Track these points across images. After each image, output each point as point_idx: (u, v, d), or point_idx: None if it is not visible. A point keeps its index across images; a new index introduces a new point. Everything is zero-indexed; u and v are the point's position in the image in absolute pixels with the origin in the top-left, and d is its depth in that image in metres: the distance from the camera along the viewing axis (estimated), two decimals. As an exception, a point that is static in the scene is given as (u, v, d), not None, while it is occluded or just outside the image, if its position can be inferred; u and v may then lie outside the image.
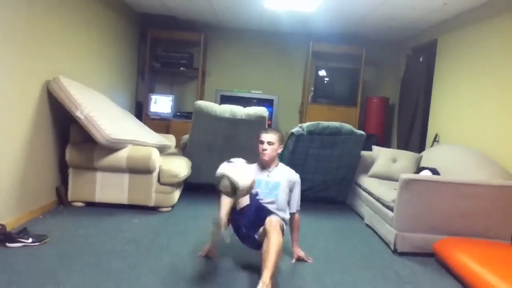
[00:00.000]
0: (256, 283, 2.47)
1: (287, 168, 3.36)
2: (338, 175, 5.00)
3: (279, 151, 3.29)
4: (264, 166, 3.28)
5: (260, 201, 3.12)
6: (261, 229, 2.88)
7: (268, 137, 3.21)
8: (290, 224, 3.32)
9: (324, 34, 7.14)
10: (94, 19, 5.01)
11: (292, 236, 3.37)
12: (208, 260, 3.15)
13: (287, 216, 3.23)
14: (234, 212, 2.92)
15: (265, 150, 3.19)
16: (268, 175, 3.23)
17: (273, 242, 2.63)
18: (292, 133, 4.69)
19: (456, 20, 5.32)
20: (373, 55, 7.35)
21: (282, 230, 2.91)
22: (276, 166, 3.30)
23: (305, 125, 4.69)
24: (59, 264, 2.88)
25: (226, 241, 2.71)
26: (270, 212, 3.03)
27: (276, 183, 3.19)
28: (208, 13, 6.45)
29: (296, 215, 3.35)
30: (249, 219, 2.93)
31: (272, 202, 3.15)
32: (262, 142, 3.22)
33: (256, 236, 2.96)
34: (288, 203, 3.28)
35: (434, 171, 4.29)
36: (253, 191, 3.07)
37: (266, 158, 3.21)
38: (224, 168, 2.86)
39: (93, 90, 4.64)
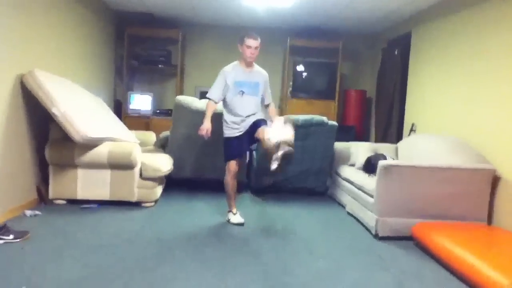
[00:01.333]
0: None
1: (259, 68, 4.05)
2: (315, 166, 5.09)
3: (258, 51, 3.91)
4: (247, 66, 3.92)
5: (247, 96, 3.86)
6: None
7: (255, 43, 3.82)
8: (270, 113, 4.08)
9: (302, 29, 7.22)
10: (69, 16, 4.96)
11: (273, 118, 3.93)
12: (195, 251, 3.18)
13: (259, 108, 4.01)
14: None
15: (253, 54, 3.84)
16: (250, 77, 3.92)
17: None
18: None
19: (429, 12, 5.45)
20: (350, 49, 7.46)
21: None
22: (254, 66, 4.00)
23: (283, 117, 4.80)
24: (45, 259, 2.86)
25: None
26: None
27: (256, 83, 3.93)
28: (186, 9, 6.45)
29: (272, 105, 4.18)
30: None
31: (255, 96, 3.92)
32: (249, 47, 3.80)
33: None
34: (264, 96, 4.05)
35: (383, 157, 4.55)
36: (239, 90, 3.84)
37: (252, 60, 3.90)
38: (276, 137, 3.50)
39: (69, 82, 4.59)
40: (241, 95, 3.86)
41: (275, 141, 3.50)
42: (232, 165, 3.91)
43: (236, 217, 3.99)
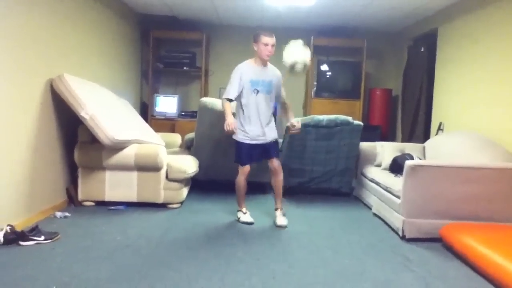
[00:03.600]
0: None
1: (272, 66, 4.05)
2: (339, 166, 5.06)
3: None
4: (263, 64, 3.93)
5: (261, 95, 3.88)
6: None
7: (272, 40, 3.84)
8: (286, 110, 4.15)
9: (325, 28, 7.18)
10: (95, 21, 5.07)
11: (289, 117, 4.13)
12: (220, 251, 3.21)
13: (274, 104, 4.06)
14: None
15: (270, 52, 3.85)
16: (264, 75, 3.91)
17: (280, 180, 4.05)
18: (288, 127, 4.78)
19: (456, 7, 5.34)
20: (374, 47, 7.38)
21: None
22: (268, 65, 3.99)
23: (300, 118, 4.82)
24: (73, 260, 2.94)
25: None
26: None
27: (270, 81, 3.92)
28: (209, 12, 6.50)
29: (288, 102, 4.16)
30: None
31: (268, 94, 3.92)
32: (267, 45, 3.81)
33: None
34: (279, 96, 4.06)
35: (410, 157, 4.52)
36: (254, 88, 3.85)
37: (269, 57, 3.89)
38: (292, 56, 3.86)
39: (97, 85, 4.70)
40: (256, 94, 3.86)
41: (290, 61, 3.82)
42: (245, 168, 3.94)
43: (246, 216, 4.05)
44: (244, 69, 3.90)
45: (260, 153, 3.96)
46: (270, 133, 3.98)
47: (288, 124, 4.11)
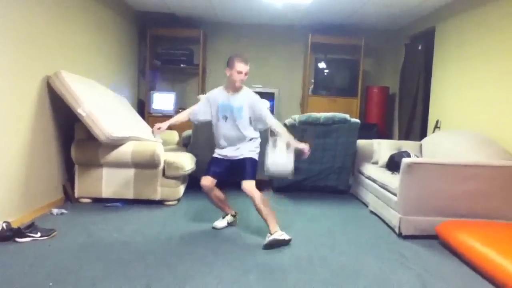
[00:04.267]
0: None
1: (246, 90, 3.64)
2: (336, 164, 5.07)
3: None
4: (234, 90, 3.59)
5: (230, 121, 3.58)
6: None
7: (246, 68, 3.52)
8: (276, 132, 3.60)
9: (323, 26, 7.18)
10: (93, 18, 5.06)
11: (290, 143, 3.58)
12: (216, 247, 3.20)
13: (250, 134, 3.62)
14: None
15: (243, 79, 3.53)
16: (235, 100, 3.57)
17: (257, 204, 3.44)
18: (285, 124, 4.86)
19: (453, 6, 5.35)
20: (372, 45, 7.38)
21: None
22: (240, 90, 3.61)
23: (297, 116, 4.84)
24: (70, 256, 2.93)
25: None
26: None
27: (240, 107, 3.56)
28: (207, 9, 6.49)
29: (275, 126, 3.59)
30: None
31: (240, 119, 3.55)
32: (240, 72, 3.49)
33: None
34: (258, 120, 3.60)
35: (406, 154, 4.52)
36: (223, 114, 3.58)
37: (240, 85, 3.56)
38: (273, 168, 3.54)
39: (94, 82, 4.69)
40: (225, 120, 3.59)
41: (271, 171, 3.52)
42: (204, 180, 3.61)
43: (219, 221, 3.84)
44: (214, 94, 3.68)
45: (230, 170, 3.65)
46: (243, 151, 3.62)
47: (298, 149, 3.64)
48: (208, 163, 3.72)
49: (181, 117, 3.83)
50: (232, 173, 3.66)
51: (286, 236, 3.35)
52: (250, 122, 3.62)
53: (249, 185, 3.47)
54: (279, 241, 3.32)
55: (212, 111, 3.66)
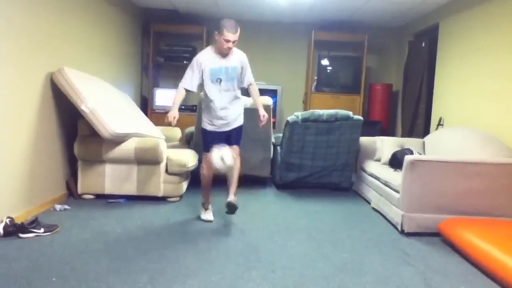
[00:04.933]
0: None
1: (236, 50, 3.76)
2: (339, 161, 5.06)
3: None
4: (223, 54, 3.67)
5: (224, 84, 3.69)
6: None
7: (234, 37, 3.55)
8: (252, 93, 3.92)
9: (326, 23, 7.16)
10: (96, 14, 5.06)
11: (256, 102, 3.91)
12: (219, 244, 3.21)
13: (239, 93, 3.85)
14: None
15: (230, 48, 3.61)
16: (227, 62, 3.68)
17: (238, 166, 3.79)
18: (288, 121, 4.86)
19: (457, 3, 5.33)
20: (375, 42, 7.36)
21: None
22: (231, 51, 3.70)
23: (300, 113, 4.84)
24: (73, 252, 2.94)
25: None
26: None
27: (234, 67, 3.70)
28: (210, 6, 6.48)
29: (253, 85, 3.90)
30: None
31: (233, 81, 3.72)
32: (228, 41, 3.54)
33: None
34: (246, 78, 3.82)
35: (409, 152, 4.52)
36: (216, 77, 3.66)
37: (229, 52, 3.67)
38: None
39: (97, 79, 4.70)
40: (219, 83, 3.66)
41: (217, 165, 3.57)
42: (207, 158, 3.74)
43: (206, 214, 3.91)
44: (204, 58, 3.66)
45: (223, 139, 3.77)
46: (234, 122, 3.81)
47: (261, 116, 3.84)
48: (203, 137, 3.87)
49: (179, 95, 3.70)
50: (227, 142, 3.80)
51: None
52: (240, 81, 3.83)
53: (237, 151, 3.82)
54: (234, 205, 3.64)
55: (204, 75, 3.66)
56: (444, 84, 5.59)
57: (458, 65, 5.23)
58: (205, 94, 3.73)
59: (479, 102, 4.69)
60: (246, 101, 4.53)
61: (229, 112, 3.77)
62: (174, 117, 3.57)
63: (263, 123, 3.85)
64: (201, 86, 3.74)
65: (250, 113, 4.49)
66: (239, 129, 3.88)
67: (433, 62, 5.95)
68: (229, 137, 3.82)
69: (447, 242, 3.46)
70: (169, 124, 3.60)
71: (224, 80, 3.67)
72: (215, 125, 3.78)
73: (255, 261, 2.94)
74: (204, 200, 3.96)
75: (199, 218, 3.93)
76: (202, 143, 3.91)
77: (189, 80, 3.66)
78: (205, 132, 3.83)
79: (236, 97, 3.82)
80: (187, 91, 3.69)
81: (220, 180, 4.02)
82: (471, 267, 3.02)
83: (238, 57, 3.74)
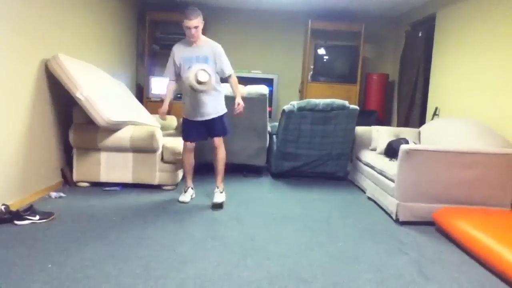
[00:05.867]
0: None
1: (209, 41, 3.88)
2: (334, 150, 5.07)
3: (201, 26, 3.79)
4: (193, 43, 3.79)
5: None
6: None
7: (192, 23, 3.67)
8: (231, 84, 3.96)
9: (323, 12, 7.13)
10: (92, 1, 5.00)
11: (235, 92, 3.96)
12: (215, 232, 3.22)
13: (216, 85, 3.88)
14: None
15: (193, 34, 3.70)
16: (198, 51, 3.79)
17: (219, 158, 3.99)
18: (284, 110, 4.86)
19: (454, -8, 5.31)
20: (372, 31, 7.34)
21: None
22: (202, 41, 3.84)
23: (296, 102, 4.84)
24: (68, 239, 2.94)
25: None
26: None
27: (205, 57, 3.77)
28: (206, -7, 6.43)
29: (232, 76, 3.94)
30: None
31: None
32: (188, 28, 3.67)
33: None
34: (221, 70, 3.86)
35: (405, 141, 4.54)
36: (187, 66, 3.73)
37: (195, 39, 3.76)
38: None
39: (92, 67, 4.66)
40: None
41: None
42: (186, 145, 3.99)
43: (183, 196, 4.07)
44: (176, 48, 3.87)
45: (203, 130, 3.94)
46: (212, 113, 3.89)
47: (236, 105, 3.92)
48: (183, 127, 3.99)
49: (169, 88, 3.99)
50: (205, 134, 3.97)
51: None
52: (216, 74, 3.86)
53: (219, 141, 3.96)
54: (218, 204, 3.88)
55: (179, 65, 3.83)
56: (440, 74, 5.59)
57: (454, 55, 5.22)
58: (182, 83, 3.86)
59: (475, 93, 4.70)
60: (242, 90, 4.53)
61: (201, 101, 3.83)
62: (163, 112, 3.89)
63: (238, 111, 3.91)
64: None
65: (246, 101, 4.49)
66: (220, 120, 3.94)
67: (429, 52, 5.95)
68: (210, 129, 3.92)
69: (441, 231, 3.48)
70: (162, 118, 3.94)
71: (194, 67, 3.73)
72: (191, 114, 3.90)
73: (251, 249, 2.95)
74: (185, 183, 4.17)
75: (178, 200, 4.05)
76: (182, 131, 4.05)
77: (168, 70, 3.93)
78: (183, 121, 3.97)
79: (214, 88, 3.84)
80: (173, 81, 3.95)
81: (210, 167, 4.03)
82: (465, 256, 3.04)
83: (210, 48, 3.82)
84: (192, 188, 4.16)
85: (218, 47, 3.85)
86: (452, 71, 5.25)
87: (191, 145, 4.00)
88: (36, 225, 3.18)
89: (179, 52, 3.84)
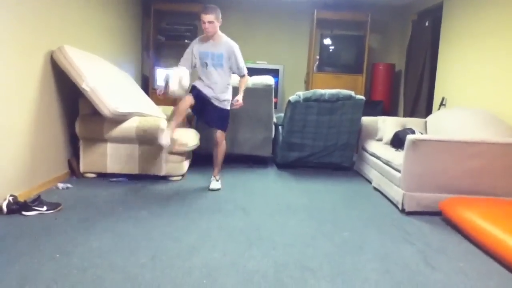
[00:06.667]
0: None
1: (226, 39, 4.04)
2: (340, 141, 5.07)
3: (219, 24, 3.96)
4: (210, 38, 3.99)
5: (211, 68, 4.01)
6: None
7: (207, 17, 3.85)
8: (241, 82, 4.15)
9: (329, 1, 7.06)
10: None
11: (241, 89, 4.12)
12: (221, 222, 3.24)
13: (229, 79, 4.12)
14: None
15: (207, 28, 3.88)
16: (214, 48, 3.98)
17: (221, 150, 4.20)
18: (289, 101, 4.86)
19: (462, -19, 5.25)
20: (378, 21, 7.28)
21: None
22: (219, 38, 4.01)
23: (301, 92, 4.83)
24: (76, 230, 2.97)
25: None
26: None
27: (220, 54, 3.98)
28: (211, -17, 6.39)
29: (246, 76, 4.16)
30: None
31: (219, 67, 4.00)
32: (204, 22, 3.86)
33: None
34: (236, 69, 4.08)
35: (411, 131, 4.55)
36: (203, 61, 4.01)
37: (209, 34, 3.94)
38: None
39: (98, 58, 4.67)
40: (205, 67, 4.02)
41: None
42: (186, 98, 4.03)
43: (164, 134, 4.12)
44: (196, 42, 4.10)
45: (204, 102, 4.08)
46: (217, 92, 4.07)
47: (234, 100, 4.09)
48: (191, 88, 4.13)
49: (175, 75, 4.04)
50: (204, 111, 4.13)
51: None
52: (229, 71, 4.08)
53: (220, 135, 4.13)
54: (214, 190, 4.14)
55: (195, 59, 4.07)
56: (447, 64, 5.54)
57: (461, 44, 5.18)
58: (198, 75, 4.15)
59: (482, 82, 4.66)
60: (247, 81, 4.53)
61: (216, 81, 4.04)
62: (160, 91, 4.15)
63: (234, 106, 4.08)
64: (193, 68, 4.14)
65: (251, 92, 4.50)
66: (222, 113, 4.12)
67: (436, 41, 5.89)
68: (209, 113, 4.10)
69: (447, 221, 3.48)
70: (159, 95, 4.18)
71: (210, 65, 4.00)
72: (201, 85, 4.08)
73: (256, 239, 2.96)
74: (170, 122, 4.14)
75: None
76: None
77: (184, 60, 4.13)
78: (192, 87, 4.12)
79: (223, 85, 4.07)
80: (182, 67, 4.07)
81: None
82: (471, 245, 3.04)
83: (226, 46, 4.00)
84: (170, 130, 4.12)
85: (234, 47, 4.01)
86: (459, 61, 5.20)
87: (190, 99, 3.99)
88: (44, 216, 3.21)
89: (196, 45, 4.07)
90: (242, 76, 4.15)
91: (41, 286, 2.16)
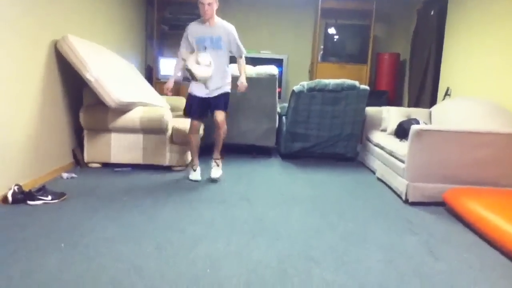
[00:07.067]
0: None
1: (223, 22, 3.97)
2: (344, 131, 5.06)
3: (216, 7, 3.90)
4: (207, 22, 3.90)
5: (210, 51, 3.91)
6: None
7: (206, 0, 3.76)
8: (238, 65, 4.16)
9: (333, -10, 7.01)
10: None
11: (241, 72, 4.15)
12: (225, 212, 3.24)
13: (228, 61, 4.08)
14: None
15: (207, 11, 3.80)
16: (212, 31, 3.91)
17: (220, 133, 4.06)
18: (293, 91, 4.84)
19: (468, -31, 5.18)
20: (383, 10, 7.22)
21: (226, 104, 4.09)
22: (216, 22, 3.93)
23: (305, 82, 4.82)
24: (81, 219, 2.98)
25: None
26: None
27: (218, 37, 3.91)
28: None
29: (242, 58, 4.14)
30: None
31: (218, 49, 3.93)
32: (203, 4, 3.79)
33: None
34: (236, 50, 4.04)
35: (415, 122, 4.52)
36: (202, 45, 3.92)
37: (208, 17, 3.85)
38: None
39: (102, 47, 4.66)
40: (204, 50, 3.92)
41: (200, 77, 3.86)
42: (192, 124, 4.08)
43: (194, 174, 4.17)
44: (190, 27, 4.01)
45: (207, 107, 4.08)
46: (217, 86, 4.02)
47: (238, 82, 4.12)
48: (188, 102, 4.12)
49: (178, 66, 4.17)
50: (208, 108, 4.10)
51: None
52: (228, 53, 4.04)
53: (221, 116, 4.02)
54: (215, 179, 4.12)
55: (192, 44, 3.98)
56: (452, 54, 5.50)
57: (467, 34, 5.13)
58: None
59: (487, 72, 4.63)
60: (251, 71, 4.52)
61: (213, 79, 3.95)
62: (167, 88, 4.07)
63: (240, 90, 4.11)
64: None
65: (255, 82, 4.49)
66: (223, 97, 4.06)
67: (441, 31, 5.84)
68: (211, 105, 4.05)
69: (451, 211, 3.48)
70: (167, 94, 4.14)
71: (209, 48, 3.91)
72: (197, 90, 4.01)
73: (260, 229, 2.97)
74: (192, 162, 4.25)
75: (187, 179, 4.14)
76: (186, 108, 4.12)
77: (181, 49, 4.09)
78: (190, 97, 4.08)
79: (223, 68, 4.01)
80: (184, 59, 4.04)
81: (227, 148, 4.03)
82: (475, 236, 3.04)
83: (223, 29, 3.94)
84: (198, 166, 4.24)
85: (232, 29, 3.97)
86: (465, 50, 5.16)
87: (198, 124, 4.09)
88: (49, 205, 3.23)
89: (192, 30, 3.98)
90: (240, 57, 4.12)
91: (46, 275, 2.18)
